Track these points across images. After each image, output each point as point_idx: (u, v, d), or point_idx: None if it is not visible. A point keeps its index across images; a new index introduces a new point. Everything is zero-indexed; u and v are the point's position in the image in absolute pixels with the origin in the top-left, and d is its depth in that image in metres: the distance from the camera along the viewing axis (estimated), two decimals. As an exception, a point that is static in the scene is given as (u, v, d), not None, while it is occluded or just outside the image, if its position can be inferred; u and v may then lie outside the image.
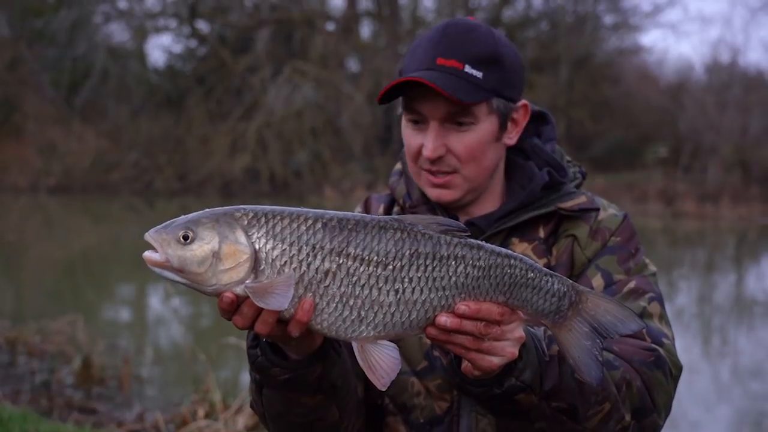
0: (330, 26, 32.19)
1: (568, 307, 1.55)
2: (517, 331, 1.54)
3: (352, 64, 33.25)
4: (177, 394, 7.01)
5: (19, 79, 30.91)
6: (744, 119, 30.50)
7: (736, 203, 25.98)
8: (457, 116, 1.89)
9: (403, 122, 1.98)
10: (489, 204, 2.02)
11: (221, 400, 5.94)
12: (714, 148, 29.40)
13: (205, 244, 1.43)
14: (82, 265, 15.68)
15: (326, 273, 1.45)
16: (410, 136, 1.96)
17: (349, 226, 1.47)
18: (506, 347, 1.52)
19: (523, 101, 1.99)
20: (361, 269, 1.46)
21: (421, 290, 1.48)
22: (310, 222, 1.46)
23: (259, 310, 1.46)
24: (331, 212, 1.49)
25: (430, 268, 1.48)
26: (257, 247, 1.44)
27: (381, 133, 27.87)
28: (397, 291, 1.47)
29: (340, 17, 31.66)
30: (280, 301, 1.42)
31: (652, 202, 26.40)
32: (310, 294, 1.45)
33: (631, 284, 1.89)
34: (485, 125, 1.92)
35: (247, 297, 1.44)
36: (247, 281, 1.44)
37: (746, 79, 32.15)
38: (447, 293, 1.48)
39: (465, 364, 1.57)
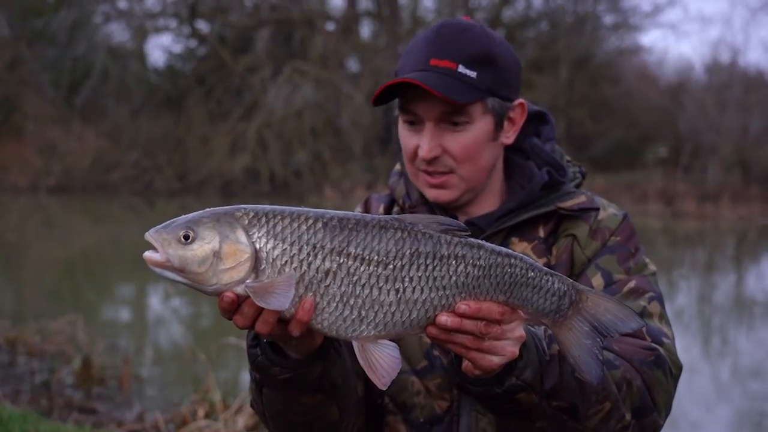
0: (330, 26, 32.19)
1: (569, 306, 1.55)
2: (518, 331, 1.54)
3: (352, 64, 33.27)
4: (177, 394, 7.01)
5: (19, 79, 30.91)
6: (744, 119, 30.50)
7: (736, 203, 25.98)
8: (452, 116, 1.89)
9: (400, 123, 1.99)
10: (488, 204, 2.03)
11: (221, 400, 5.94)
12: (714, 148, 29.40)
13: (205, 244, 1.44)
14: (82, 265, 15.69)
15: (327, 272, 1.45)
16: (406, 137, 1.97)
17: (350, 226, 1.47)
18: (507, 346, 1.52)
19: (520, 100, 1.99)
20: (362, 269, 1.46)
21: (422, 290, 1.48)
22: (310, 221, 1.46)
23: (260, 310, 1.46)
24: (332, 212, 1.49)
25: (430, 267, 1.48)
26: (258, 246, 1.45)
27: (381, 133, 27.86)
28: (397, 290, 1.47)
29: (340, 17, 31.66)
30: (280, 300, 1.42)
31: (652, 202, 26.40)
32: (311, 293, 1.45)
33: (631, 284, 1.89)
34: (481, 125, 1.92)
35: (248, 296, 1.44)
36: (248, 281, 1.44)
37: (746, 79, 32.15)
38: (447, 292, 1.48)
39: (465, 364, 1.57)
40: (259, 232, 1.45)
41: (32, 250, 17.32)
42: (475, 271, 1.49)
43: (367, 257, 1.46)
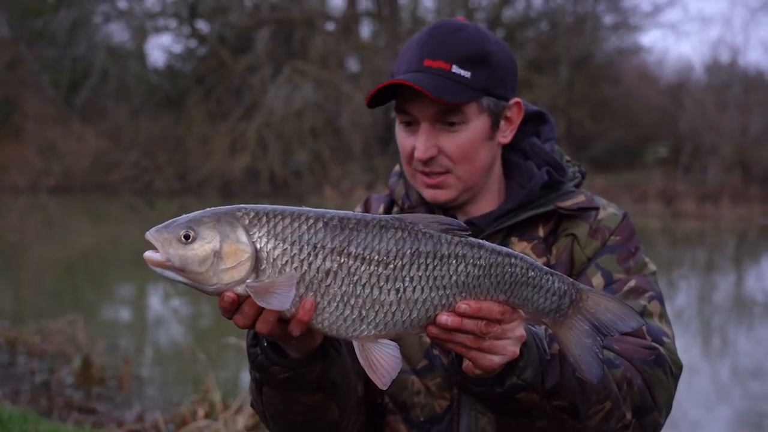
0: (330, 26, 32.20)
1: (569, 306, 1.55)
2: (518, 330, 1.54)
3: (352, 64, 33.29)
4: (177, 394, 7.01)
5: (19, 79, 30.92)
6: (744, 119, 30.50)
7: (736, 203, 25.98)
8: (447, 116, 1.90)
9: (397, 125, 1.99)
10: (487, 203, 2.03)
11: (221, 400, 5.94)
12: (714, 148, 29.41)
13: (206, 244, 1.43)
14: (82, 265, 15.69)
15: (327, 272, 1.45)
16: (403, 138, 1.97)
17: (350, 226, 1.47)
18: (507, 346, 1.52)
19: (516, 99, 1.99)
20: (362, 268, 1.46)
21: (422, 289, 1.48)
22: (311, 221, 1.46)
23: (260, 310, 1.46)
24: (332, 211, 1.49)
25: (431, 267, 1.48)
26: (258, 246, 1.44)
27: (381, 133, 27.87)
28: (398, 290, 1.47)
29: (340, 17, 31.67)
30: (281, 301, 1.42)
31: (652, 202, 26.41)
32: (312, 293, 1.45)
33: (631, 283, 1.89)
34: (476, 124, 1.92)
35: (249, 296, 1.44)
36: (249, 280, 1.44)
37: (746, 79, 32.16)
38: (448, 292, 1.48)
39: (466, 363, 1.57)
40: (259, 232, 1.45)
41: (32, 250, 17.32)
42: (476, 271, 1.49)
43: (368, 257, 1.46)
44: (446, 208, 2.00)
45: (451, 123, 1.90)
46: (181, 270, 1.44)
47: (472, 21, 2.00)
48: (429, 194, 1.98)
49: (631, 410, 1.71)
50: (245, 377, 6.39)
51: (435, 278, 1.48)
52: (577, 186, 2.06)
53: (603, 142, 30.76)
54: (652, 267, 1.97)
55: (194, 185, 29.13)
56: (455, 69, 1.87)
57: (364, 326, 1.48)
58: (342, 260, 1.45)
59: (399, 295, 1.47)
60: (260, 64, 29.65)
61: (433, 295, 1.48)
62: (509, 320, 1.52)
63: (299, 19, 30.25)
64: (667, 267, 15.54)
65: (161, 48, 49.02)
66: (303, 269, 1.45)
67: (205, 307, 10.62)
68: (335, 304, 1.46)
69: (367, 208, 2.18)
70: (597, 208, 1.98)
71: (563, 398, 1.63)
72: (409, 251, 1.47)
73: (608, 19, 33.51)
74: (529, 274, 1.52)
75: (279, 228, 1.45)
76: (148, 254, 1.45)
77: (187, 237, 1.44)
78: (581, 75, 31.08)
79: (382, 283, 1.46)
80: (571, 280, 1.57)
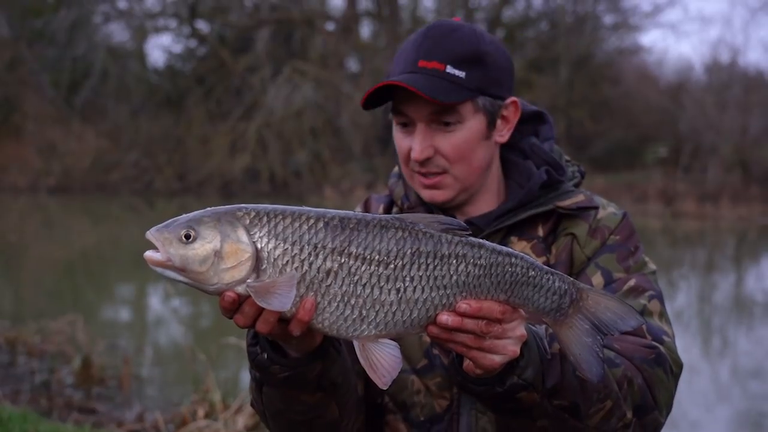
0: (330, 26, 32.20)
1: (569, 305, 1.55)
2: (519, 330, 1.54)
3: (352, 64, 33.28)
4: (177, 394, 7.01)
5: (19, 79, 30.92)
6: (744, 119, 30.50)
7: (736, 203, 25.99)
8: (442, 116, 1.90)
9: (394, 126, 1.99)
10: (486, 203, 2.03)
11: (221, 400, 5.94)
12: (714, 148, 29.41)
13: (206, 243, 1.43)
14: (82, 265, 15.69)
15: (328, 272, 1.45)
16: (400, 139, 1.97)
17: (351, 226, 1.47)
18: (508, 345, 1.52)
19: (512, 98, 1.99)
20: (363, 268, 1.46)
21: (423, 289, 1.48)
22: (311, 221, 1.46)
23: (261, 309, 1.46)
24: (333, 211, 1.49)
25: (431, 266, 1.48)
26: (259, 246, 1.44)
27: (381, 133, 27.85)
28: (398, 290, 1.47)
29: (340, 17, 31.67)
30: (282, 301, 1.42)
31: (652, 202, 26.41)
32: (312, 293, 1.45)
33: (631, 282, 1.89)
34: (472, 124, 1.92)
35: (249, 296, 1.44)
36: (249, 280, 1.44)
37: (746, 79, 32.16)
38: (448, 292, 1.48)
39: (467, 363, 1.57)
40: (260, 232, 1.45)
41: (32, 250, 17.32)
42: (476, 270, 1.49)
43: (368, 257, 1.46)
44: (445, 209, 2.00)
45: (447, 123, 1.90)
46: (181, 270, 1.44)
47: (472, 21, 2.01)
48: (426, 195, 1.98)
49: (631, 409, 1.71)
50: (245, 377, 6.39)
51: (435, 278, 1.48)
52: (577, 185, 2.06)
53: (603, 142, 30.76)
54: (652, 266, 1.97)
55: (194, 185, 29.13)
56: (450, 69, 1.87)
57: (364, 326, 1.48)
58: (342, 260, 1.45)
59: (399, 295, 1.47)
60: (260, 64, 29.65)
61: (433, 294, 1.48)
62: (510, 320, 1.52)
63: (299, 19, 30.25)
64: (667, 267, 15.54)
65: (161, 48, 49.08)
66: (303, 269, 1.45)
67: (205, 307, 10.62)
68: (336, 304, 1.46)
69: (367, 208, 2.18)
70: (596, 208, 1.98)
71: (564, 397, 1.63)
72: (409, 251, 1.47)
73: (608, 19, 33.55)
74: (530, 274, 1.52)
75: (280, 228, 1.45)
76: (149, 254, 1.45)
77: (187, 237, 1.44)
78: (581, 75, 31.08)
79: (382, 283, 1.46)
80: (572, 279, 1.57)
